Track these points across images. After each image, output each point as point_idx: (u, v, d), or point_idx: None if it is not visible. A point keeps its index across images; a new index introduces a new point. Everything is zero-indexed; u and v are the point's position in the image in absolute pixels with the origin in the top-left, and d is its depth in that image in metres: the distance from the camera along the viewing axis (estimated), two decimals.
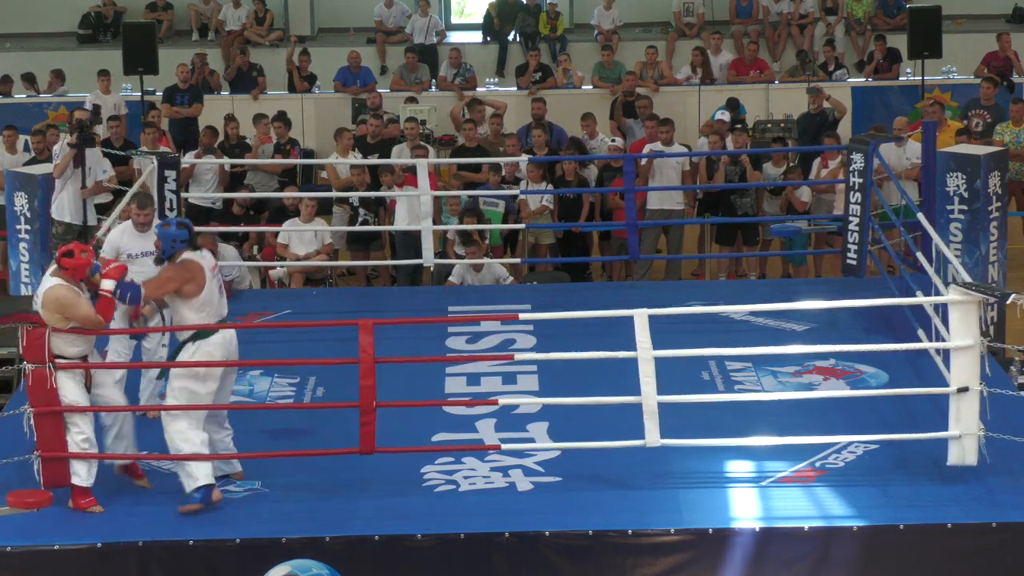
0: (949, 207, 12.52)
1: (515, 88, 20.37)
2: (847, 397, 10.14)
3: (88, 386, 9.18)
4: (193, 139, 17.82)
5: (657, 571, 8.73)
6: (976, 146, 13.96)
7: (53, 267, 9.14)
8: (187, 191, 14.93)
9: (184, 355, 9.22)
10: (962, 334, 9.14)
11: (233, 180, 16.38)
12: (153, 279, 9.32)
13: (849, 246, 12.78)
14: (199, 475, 9.04)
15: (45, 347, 8.91)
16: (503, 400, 10.05)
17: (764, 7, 22.28)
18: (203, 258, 9.32)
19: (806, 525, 8.80)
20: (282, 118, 17.37)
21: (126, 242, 10.37)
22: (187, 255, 9.26)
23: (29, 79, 20.63)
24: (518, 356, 10.33)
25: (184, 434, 9.10)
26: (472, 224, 14.29)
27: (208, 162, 15.54)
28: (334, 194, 15.45)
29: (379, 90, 19.63)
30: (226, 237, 14.26)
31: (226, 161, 16.12)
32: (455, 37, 22.97)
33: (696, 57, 20.33)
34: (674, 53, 21.56)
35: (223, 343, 9.29)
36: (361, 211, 15.54)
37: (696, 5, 22.22)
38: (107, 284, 9.05)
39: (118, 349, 10.22)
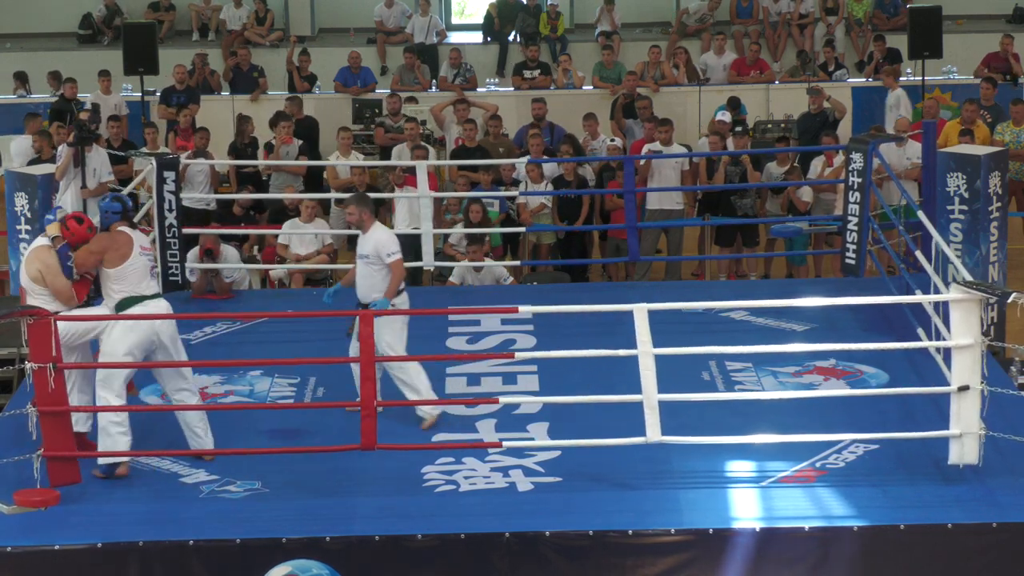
0: (949, 207, 12.50)
1: (514, 88, 20.34)
2: (847, 397, 10.14)
3: None
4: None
5: (657, 571, 8.72)
6: (976, 146, 13.96)
7: (42, 237, 9.75)
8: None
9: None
10: (963, 333, 9.13)
11: (245, 180, 16.36)
12: (82, 249, 9.65)
13: (848, 246, 12.80)
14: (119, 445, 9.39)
15: (50, 343, 8.92)
16: (504, 400, 10.05)
17: (764, 7, 22.28)
18: (135, 234, 9.67)
19: (806, 525, 8.79)
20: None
21: None
22: (120, 228, 9.65)
23: (21, 78, 20.55)
24: (519, 355, 10.31)
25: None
26: (478, 214, 14.32)
27: (199, 162, 15.46)
28: (334, 195, 15.40)
29: (379, 90, 19.60)
30: (226, 238, 14.24)
31: (219, 162, 16.09)
32: (455, 37, 22.96)
33: (680, 56, 20.34)
34: (675, 54, 21.55)
35: (149, 311, 9.51)
36: None
37: (704, 13, 22.20)
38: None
39: None
